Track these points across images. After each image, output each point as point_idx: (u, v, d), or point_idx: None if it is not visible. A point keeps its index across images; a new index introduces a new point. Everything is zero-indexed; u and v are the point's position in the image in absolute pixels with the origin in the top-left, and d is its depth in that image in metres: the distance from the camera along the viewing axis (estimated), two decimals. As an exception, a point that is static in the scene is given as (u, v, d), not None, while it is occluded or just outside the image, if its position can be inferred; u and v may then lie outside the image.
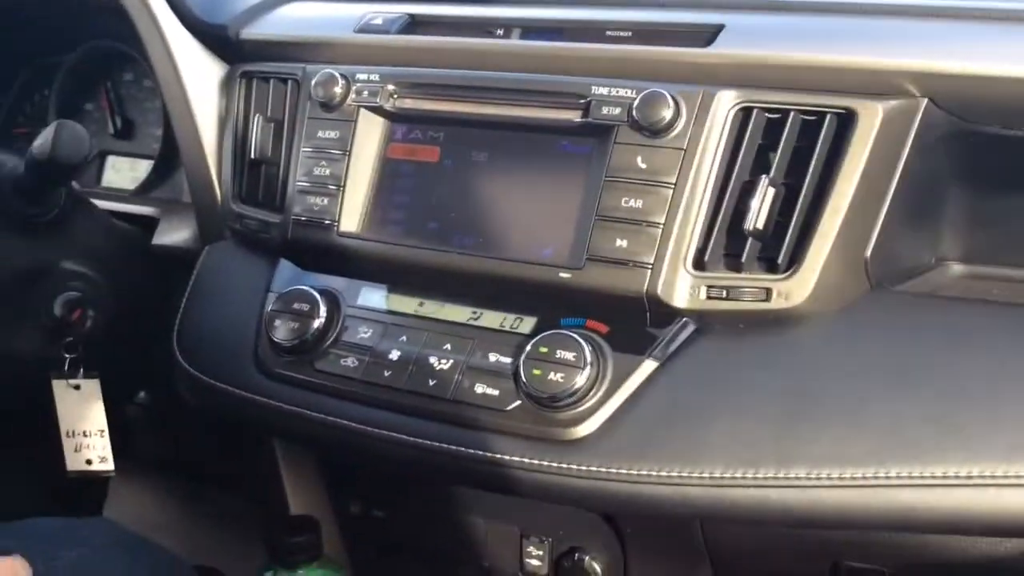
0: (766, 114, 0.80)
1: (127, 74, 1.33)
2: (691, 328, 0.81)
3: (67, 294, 1.04)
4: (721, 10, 0.89)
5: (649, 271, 0.80)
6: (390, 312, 0.92)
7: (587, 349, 0.80)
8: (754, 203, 0.78)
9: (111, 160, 1.33)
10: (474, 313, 0.88)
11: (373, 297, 0.93)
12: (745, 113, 0.80)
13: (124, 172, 1.31)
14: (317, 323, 0.91)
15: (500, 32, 0.95)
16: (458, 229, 0.89)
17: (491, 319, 0.87)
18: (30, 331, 1.05)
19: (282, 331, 0.92)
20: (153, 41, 1.06)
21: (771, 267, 0.79)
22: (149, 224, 1.17)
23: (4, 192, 0.96)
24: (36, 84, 1.38)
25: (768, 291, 0.78)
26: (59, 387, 1.06)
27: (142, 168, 1.29)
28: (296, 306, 0.92)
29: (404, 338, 0.89)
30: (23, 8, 1.30)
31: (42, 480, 1.21)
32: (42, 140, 0.92)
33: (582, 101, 0.85)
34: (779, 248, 0.78)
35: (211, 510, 1.41)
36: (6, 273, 1.01)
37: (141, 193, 1.26)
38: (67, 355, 1.06)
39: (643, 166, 0.81)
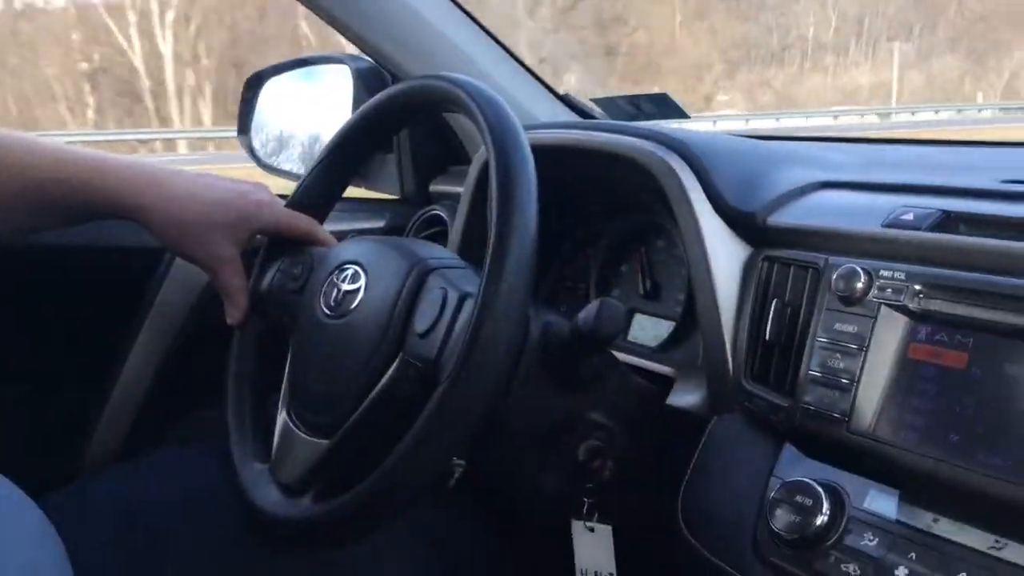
0: None
1: (659, 242, 1.47)
2: None
3: (590, 443, 1.16)
4: None
5: None
6: (899, 523, 0.87)
7: None
8: None
9: (638, 318, 1.47)
10: (996, 543, 0.81)
11: (881, 503, 0.90)
12: None
13: (648, 330, 1.44)
14: (820, 520, 0.90)
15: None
16: (985, 446, 0.83)
17: (1016, 553, 0.79)
18: (556, 473, 1.18)
19: (782, 522, 0.92)
20: (687, 223, 1.17)
21: None
22: (663, 383, 1.26)
23: (553, 353, 1.12)
24: (582, 244, 1.60)
25: None
26: (577, 528, 1.19)
27: (663, 328, 1.41)
28: (799, 499, 0.92)
29: (913, 555, 0.84)
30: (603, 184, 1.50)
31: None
32: (586, 315, 1.05)
33: None
34: None
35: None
36: (545, 421, 1.16)
37: (661, 351, 1.38)
38: (586, 500, 1.18)
39: None
